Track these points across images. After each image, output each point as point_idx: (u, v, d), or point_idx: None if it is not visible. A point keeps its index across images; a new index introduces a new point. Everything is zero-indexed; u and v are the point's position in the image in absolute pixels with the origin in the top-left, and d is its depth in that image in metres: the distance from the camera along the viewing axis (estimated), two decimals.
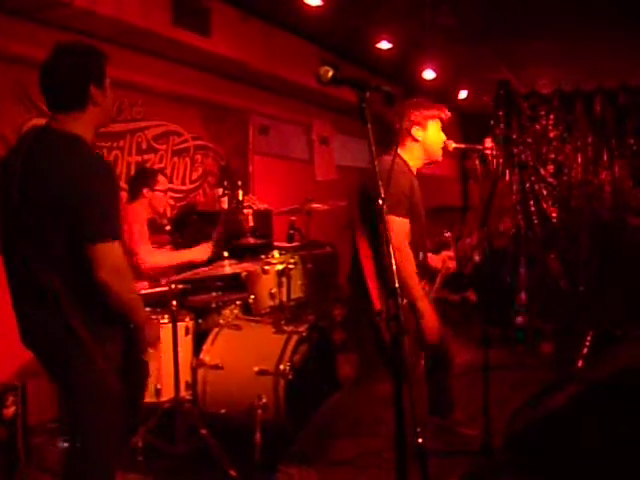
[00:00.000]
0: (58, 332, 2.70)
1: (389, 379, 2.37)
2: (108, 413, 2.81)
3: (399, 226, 3.72)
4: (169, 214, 5.98)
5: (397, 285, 2.23)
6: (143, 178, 5.01)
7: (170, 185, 4.96)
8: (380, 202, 2.37)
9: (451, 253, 4.34)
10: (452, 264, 4.32)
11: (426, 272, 4.09)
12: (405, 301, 3.60)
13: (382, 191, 2.38)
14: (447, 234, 4.43)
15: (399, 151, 4.02)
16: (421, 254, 4.02)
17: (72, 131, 2.75)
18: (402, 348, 2.20)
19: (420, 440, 2.22)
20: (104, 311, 2.74)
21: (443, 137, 4.09)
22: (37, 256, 2.67)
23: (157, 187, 4.92)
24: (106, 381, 2.72)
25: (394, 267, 2.26)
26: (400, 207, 3.75)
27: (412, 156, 4.06)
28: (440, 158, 4.14)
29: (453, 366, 4.54)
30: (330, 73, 2.42)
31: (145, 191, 4.89)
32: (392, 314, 2.22)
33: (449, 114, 4.12)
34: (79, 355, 2.70)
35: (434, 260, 4.30)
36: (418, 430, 2.21)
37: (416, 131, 4.02)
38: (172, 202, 6.50)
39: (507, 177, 7.94)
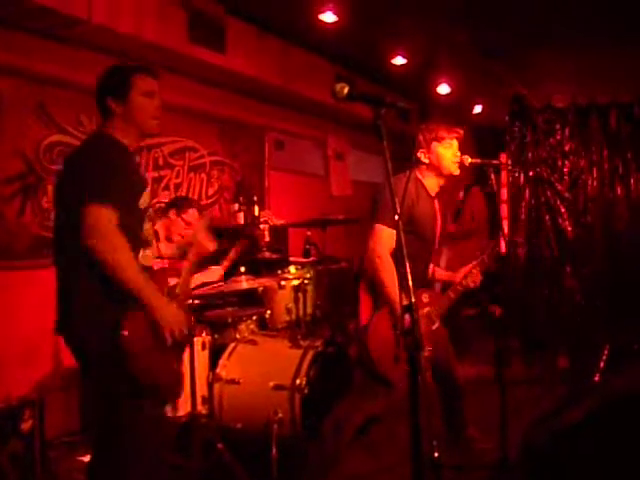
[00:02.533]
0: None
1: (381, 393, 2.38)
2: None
3: (386, 235, 3.88)
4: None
5: (413, 300, 2.24)
6: (177, 201, 5.09)
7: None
8: (396, 218, 2.40)
9: (475, 269, 4.32)
10: (472, 280, 4.29)
11: (428, 283, 4.16)
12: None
13: (398, 207, 2.40)
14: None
15: (417, 172, 4.20)
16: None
17: (104, 131, 3.12)
18: (418, 362, 2.21)
19: (436, 454, 2.22)
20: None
21: (455, 152, 4.17)
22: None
23: (184, 215, 4.96)
24: None
25: (410, 283, 2.27)
26: (388, 218, 3.83)
27: (426, 178, 4.22)
28: (456, 172, 4.21)
29: (462, 391, 4.53)
30: (346, 89, 2.45)
31: (171, 213, 4.94)
32: (407, 329, 2.23)
33: (456, 133, 4.20)
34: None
35: (442, 275, 4.38)
36: (434, 444, 2.22)
37: (422, 155, 4.18)
38: None
39: (526, 193, 7.95)
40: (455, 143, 4.20)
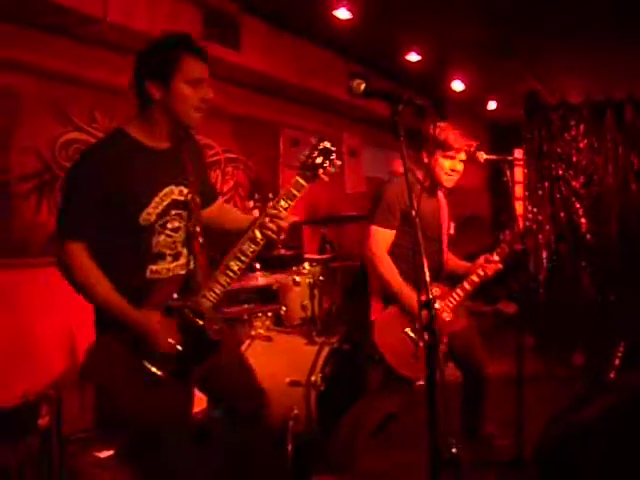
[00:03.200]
0: None
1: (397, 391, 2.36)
2: None
3: (381, 236, 3.90)
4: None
5: (431, 297, 2.24)
6: None
7: None
8: (413, 214, 2.40)
9: (492, 257, 4.21)
10: (489, 268, 4.19)
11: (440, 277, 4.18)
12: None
13: (415, 204, 2.40)
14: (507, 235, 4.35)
15: (420, 167, 4.09)
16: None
17: (121, 127, 2.83)
18: (437, 359, 2.21)
19: (454, 450, 2.22)
20: None
21: (452, 166, 4.03)
22: None
23: None
24: None
25: (427, 278, 2.27)
26: (383, 219, 3.89)
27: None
28: (448, 185, 4.11)
29: (487, 382, 4.49)
30: (362, 86, 2.46)
31: None
32: (425, 324, 2.23)
33: (463, 146, 4.03)
34: None
35: (460, 266, 4.38)
36: (452, 440, 2.22)
37: (423, 154, 4.05)
38: None
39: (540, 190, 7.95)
40: (461, 156, 4.04)
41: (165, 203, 2.81)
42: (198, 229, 2.97)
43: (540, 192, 8.00)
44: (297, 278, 5.08)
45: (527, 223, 8.03)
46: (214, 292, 2.90)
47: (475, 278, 4.16)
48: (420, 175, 4.05)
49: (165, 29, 5.23)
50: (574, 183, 7.87)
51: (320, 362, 4.42)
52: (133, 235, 2.77)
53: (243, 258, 2.89)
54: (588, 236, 7.81)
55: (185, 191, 2.90)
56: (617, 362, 6.49)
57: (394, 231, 3.92)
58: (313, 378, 4.34)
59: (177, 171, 2.89)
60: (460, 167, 4.06)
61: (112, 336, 2.72)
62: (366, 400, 4.19)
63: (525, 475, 4.01)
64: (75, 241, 2.66)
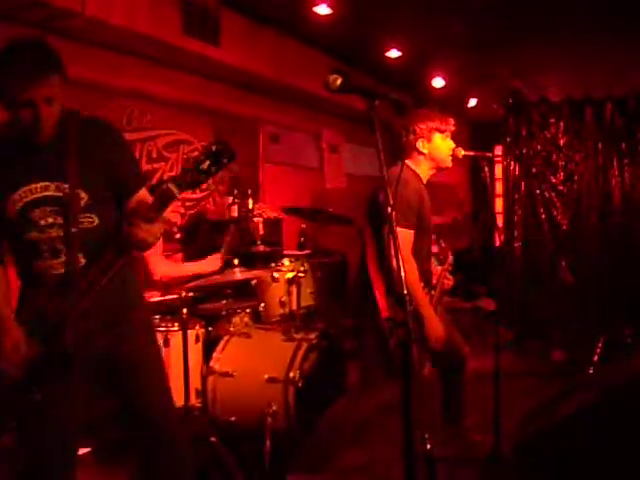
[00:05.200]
0: None
1: (391, 385, 2.36)
2: None
3: (403, 237, 3.74)
4: (179, 222, 5.99)
5: (405, 292, 2.24)
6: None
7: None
8: (389, 210, 2.38)
9: (447, 268, 4.32)
10: (447, 282, 4.31)
11: (429, 281, 4.13)
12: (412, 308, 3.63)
13: (391, 199, 2.39)
14: (443, 244, 4.44)
15: (409, 163, 4.08)
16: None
17: None
18: (410, 354, 2.20)
19: (428, 446, 2.22)
20: None
21: (451, 145, 4.13)
22: None
23: None
24: None
25: (402, 274, 2.27)
26: (405, 219, 3.80)
27: (420, 168, 4.12)
28: (450, 165, 4.18)
29: (466, 371, 4.52)
30: (339, 81, 2.44)
31: None
32: (400, 321, 2.22)
33: (453, 126, 4.16)
34: None
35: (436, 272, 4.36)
36: (426, 436, 2.21)
37: (421, 144, 4.08)
38: (182, 210, 6.53)
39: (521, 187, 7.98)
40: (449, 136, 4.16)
41: (30, 198, 2.71)
42: (99, 221, 2.81)
43: (520, 189, 8.02)
44: (276, 274, 5.06)
45: (507, 219, 8.07)
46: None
47: (441, 288, 4.24)
48: (416, 171, 4.08)
49: (144, 24, 5.26)
50: (553, 180, 7.90)
51: (298, 358, 4.40)
52: (9, 229, 2.75)
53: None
54: (567, 232, 7.84)
55: (63, 187, 2.74)
56: (596, 358, 6.54)
57: (412, 231, 3.90)
58: (291, 374, 4.32)
59: (53, 166, 2.75)
60: (453, 146, 4.15)
61: None
62: (346, 399, 4.19)
63: (503, 470, 4.01)
64: None
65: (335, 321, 6.38)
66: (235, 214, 6.26)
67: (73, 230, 2.72)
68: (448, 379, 4.44)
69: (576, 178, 7.87)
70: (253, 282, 5.11)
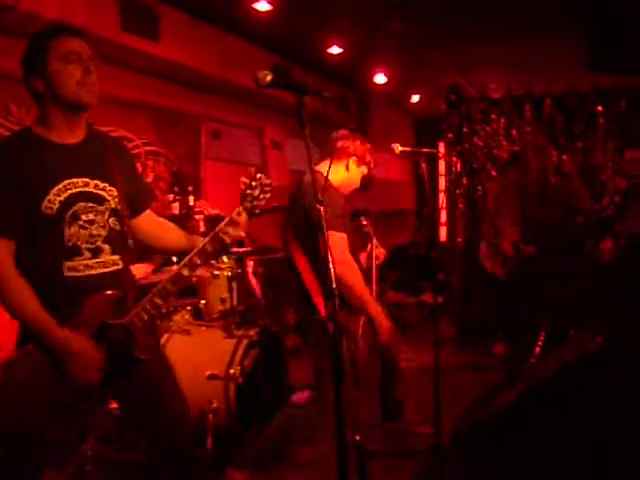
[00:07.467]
0: None
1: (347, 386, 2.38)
2: None
3: (340, 241, 3.82)
4: None
5: (334, 286, 2.25)
6: None
7: None
8: (319, 208, 2.39)
9: (375, 242, 4.41)
10: (380, 252, 4.43)
11: (367, 277, 4.17)
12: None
13: (320, 196, 2.40)
14: (364, 222, 4.49)
15: (334, 167, 4.14)
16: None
17: (26, 126, 2.74)
18: (341, 348, 2.21)
19: (358, 438, 2.24)
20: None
21: (363, 174, 4.24)
22: None
23: None
24: None
25: (331, 270, 2.27)
26: (337, 222, 3.83)
27: (335, 178, 4.12)
28: (348, 191, 4.25)
29: (400, 375, 4.56)
30: (269, 77, 2.44)
31: None
32: (330, 315, 2.23)
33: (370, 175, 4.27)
34: None
35: (363, 259, 4.41)
36: (354, 427, 2.23)
37: (353, 162, 4.16)
38: None
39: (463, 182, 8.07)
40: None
41: (69, 193, 2.63)
42: (121, 227, 2.81)
43: (462, 184, 8.10)
44: (216, 271, 5.05)
45: (450, 214, 8.15)
46: (147, 312, 2.82)
47: (376, 262, 4.40)
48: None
49: (80, 19, 5.19)
50: (493, 174, 8.00)
51: (239, 355, 4.40)
52: (42, 227, 2.60)
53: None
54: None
55: (102, 185, 2.73)
56: (538, 350, 6.62)
57: (345, 234, 3.93)
58: (232, 371, 4.32)
59: (89, 164, 2.74)
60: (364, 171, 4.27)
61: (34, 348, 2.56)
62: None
63: (442, 463, 4.05)
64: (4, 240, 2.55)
65: (278, 317, 6.39)
66: (176, 212, 6.23)
67: (117, 229, 2.79)
68: (383, 384, 4.48)
69: (517, 171, 7.99)
70: (193, 279, 5.09)
